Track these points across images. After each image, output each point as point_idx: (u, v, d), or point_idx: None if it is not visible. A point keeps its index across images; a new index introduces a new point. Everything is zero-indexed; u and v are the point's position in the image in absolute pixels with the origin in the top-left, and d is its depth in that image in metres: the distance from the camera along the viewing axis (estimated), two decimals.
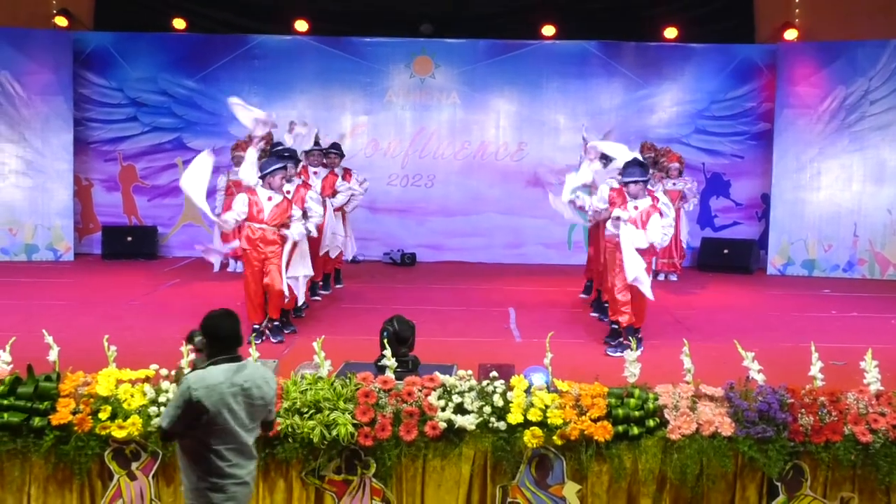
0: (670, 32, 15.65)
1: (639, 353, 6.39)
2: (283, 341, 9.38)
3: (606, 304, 10.08)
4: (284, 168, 9.59)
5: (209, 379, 4.75)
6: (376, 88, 16.15)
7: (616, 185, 9.73)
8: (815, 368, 6.25)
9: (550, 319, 10.70)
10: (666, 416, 5.99)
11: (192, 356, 5.56)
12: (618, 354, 8.63)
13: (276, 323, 9.56)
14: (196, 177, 9.11)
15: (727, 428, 5.89)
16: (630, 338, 8.42)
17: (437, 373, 6.21)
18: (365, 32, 16.01)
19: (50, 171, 15.31)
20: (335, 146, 12.59)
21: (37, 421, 5.93)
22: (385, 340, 6.61)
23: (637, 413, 5.99)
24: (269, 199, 9.36)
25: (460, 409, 6.00)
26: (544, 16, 15.71)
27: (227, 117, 15.60)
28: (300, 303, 10.40)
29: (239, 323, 4.98)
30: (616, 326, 9.30)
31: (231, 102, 10.41)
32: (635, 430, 5.95)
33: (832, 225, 14.95)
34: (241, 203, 9.37)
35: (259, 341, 8.76)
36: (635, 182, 9.05)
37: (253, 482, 4.95)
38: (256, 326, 9.36)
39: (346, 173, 12.53)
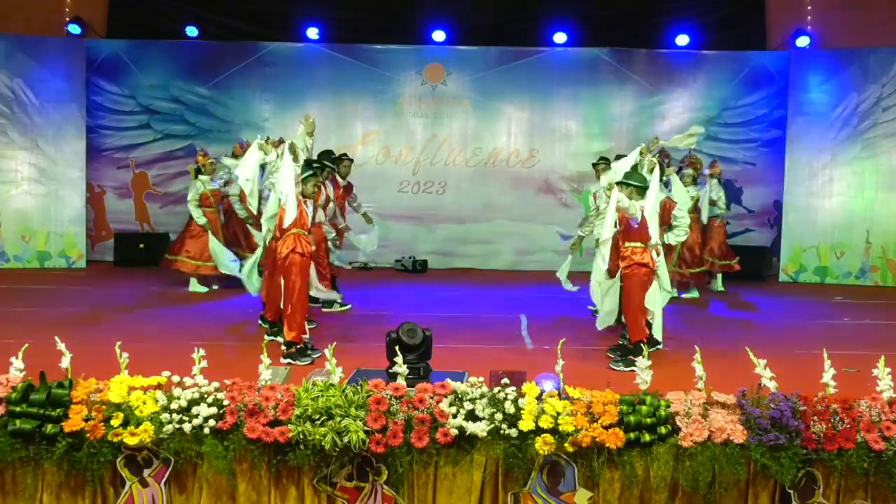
0: (682, 39, 15.67)
1: (649, 361, 6.38)
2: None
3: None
4: (315, 175, 9.50)
5: None
6: (388, 96, 16.20)
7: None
8: (828, 376, 6.22)
9: (562, 326, 10.70)
10: (678, 423, 5.97)
11: None
12: (620, 369, 8.63)
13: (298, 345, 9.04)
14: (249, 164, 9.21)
15: (739, 435, 5.87)
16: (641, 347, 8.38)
17: (448, 380, 6.20)
18: (376, 40, 16.07)
19: (62, 179, 15.39)
20: (326, 153, 11.94)
21: (49, 428, 5.93)
22: (394, 347, 6.61)
23: (649, 420, 5.96)
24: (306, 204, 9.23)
25: (472, 416, 5.98)
26: (555, 23, 15.74)
27: (239, 125, 15.77)
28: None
29: None
30: (625, 342, 9.27)
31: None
32: (647, 438, 5.93)
33: (844, 232, 14.93)
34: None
35: (297, 360, 8.73)
36: (626, 185, 9.05)
37: None
38: (297, 343, 8.92)
39: (348, 189, 12.22)
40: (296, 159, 8.97)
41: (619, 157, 11.30)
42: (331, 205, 11.70)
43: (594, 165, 12.26)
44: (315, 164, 9.76)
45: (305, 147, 10.18)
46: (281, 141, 13.43)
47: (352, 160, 12.34)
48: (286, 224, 8.86)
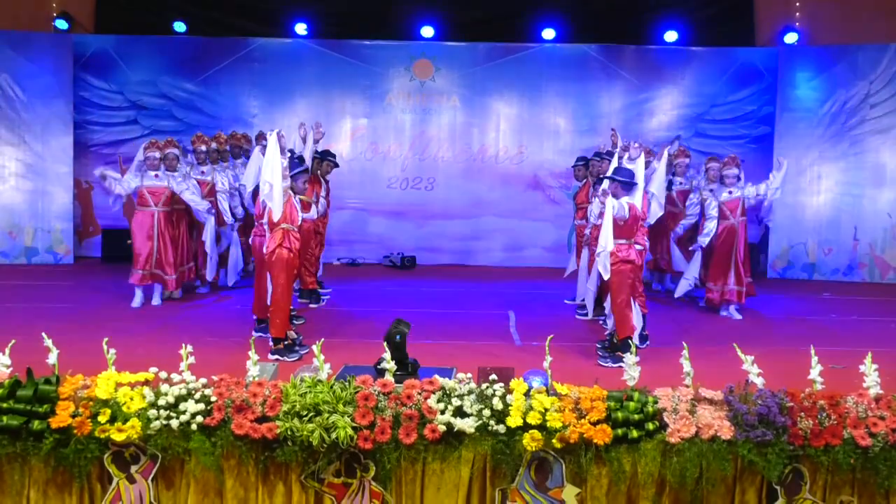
0: (671, 36, 15.68)
1: (637, 358, 6.38)
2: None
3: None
4: (307, 171, 9.41)
5: None
6: (376, 91, 16.18)
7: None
8: (815, 372, 6.23)
9: (550, 323, 10.71)
10: (665, 419, 5.98)
11: None
12: (608, 365, 8.63)
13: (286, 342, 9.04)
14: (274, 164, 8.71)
15: (726, 431, 5.88)
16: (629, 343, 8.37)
17: (436, 376, 6.20)
18: (365, 35, 16.05)
19: (50, 174, 15.35)
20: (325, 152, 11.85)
21: (36, 424, 5.92)
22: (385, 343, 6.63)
23: (636, 416, 5.97)
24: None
25: (460, 413, 5.98)
26: (544, 19, 15.74)
27: (227, 120, 15.70)
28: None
29: None
30: (613, 339, 9.25)
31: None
32: (634, 434, 5.93)
33: (832, 228, 14.98)
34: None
35: (285, 356, 8.73)
36: (612, 179, 9.03)
37: None
38: (283, 339, 8.95)
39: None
40: (281, 152, 8.94)
41: (598, 155, 11.33)
42: (322, 202, 11.69)
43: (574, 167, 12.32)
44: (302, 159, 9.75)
45: (312, 152, 10.25)
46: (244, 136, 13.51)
47: (335, 155, 12.32)
48: (275, 218, 8.82)
